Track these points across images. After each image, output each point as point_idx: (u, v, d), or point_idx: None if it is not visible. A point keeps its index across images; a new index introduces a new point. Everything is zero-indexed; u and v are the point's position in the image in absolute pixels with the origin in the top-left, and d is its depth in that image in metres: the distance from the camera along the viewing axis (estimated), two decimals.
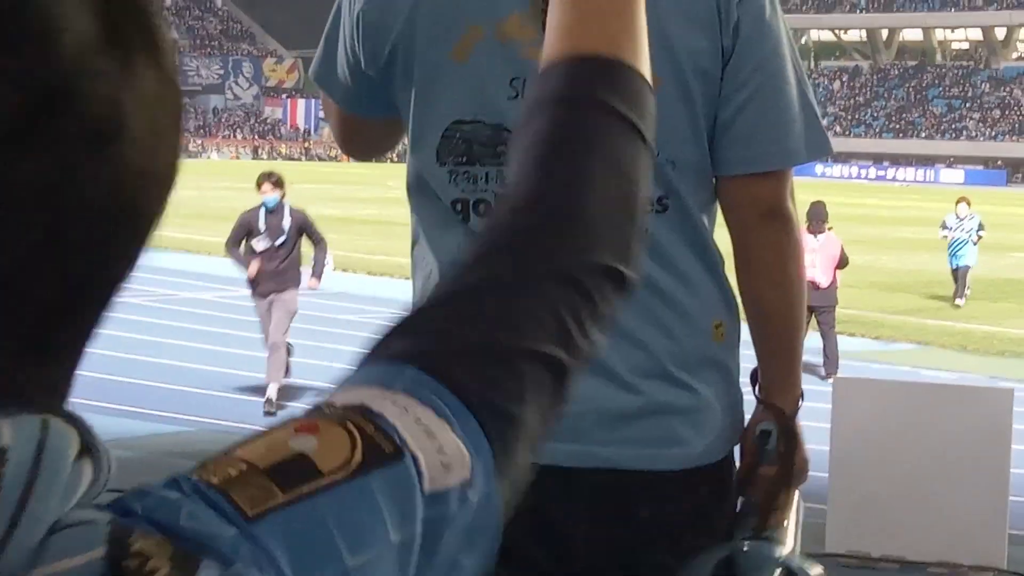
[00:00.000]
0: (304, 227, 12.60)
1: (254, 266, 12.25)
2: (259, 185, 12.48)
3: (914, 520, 7.15)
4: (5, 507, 0.70)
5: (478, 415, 0.89)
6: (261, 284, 12.32)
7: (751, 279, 2.52)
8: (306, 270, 12.71)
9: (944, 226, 22.08)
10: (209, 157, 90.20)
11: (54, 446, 0.73)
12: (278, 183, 12.42)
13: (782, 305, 2.54)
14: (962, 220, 21.58)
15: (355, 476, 0.81)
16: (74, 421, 0.77)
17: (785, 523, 2.49)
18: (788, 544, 2.43)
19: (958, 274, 21.34)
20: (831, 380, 11.65)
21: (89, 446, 0.77)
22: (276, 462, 0.81)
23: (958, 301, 20.76)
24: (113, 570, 0.72)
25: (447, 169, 2.47)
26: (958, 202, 22.02)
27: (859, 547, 7.06)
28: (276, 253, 12.32)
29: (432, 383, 0.89)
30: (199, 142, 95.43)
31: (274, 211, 12.35)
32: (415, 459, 0.84)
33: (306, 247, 12.66)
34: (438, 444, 0.85)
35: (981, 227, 21.60)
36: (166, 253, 22.33)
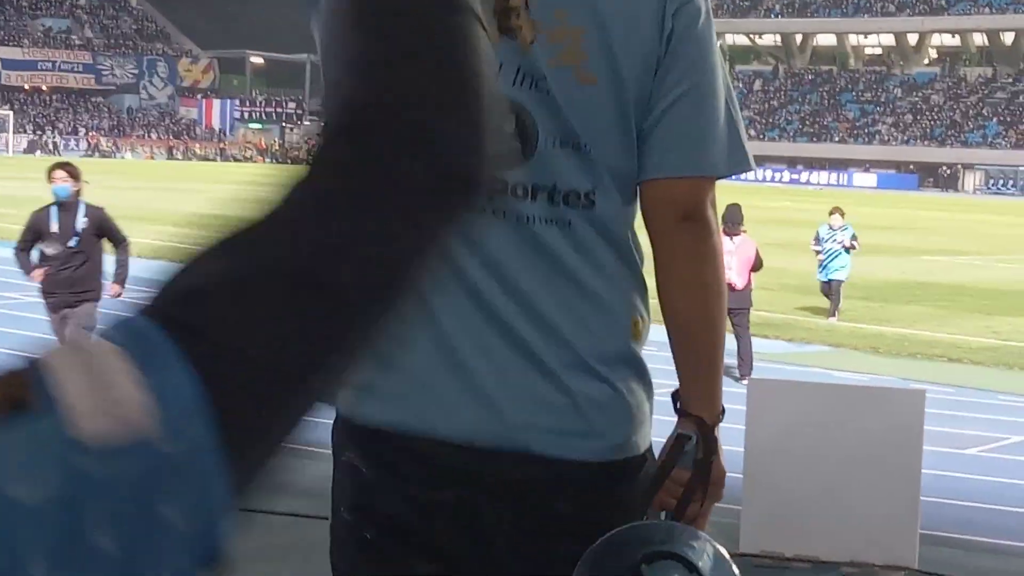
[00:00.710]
0: (103, 227, 10.99)
1: (39, 272, 10.81)
2: (50, 174, 10.91)
3: (827, 520, 7.20)
4: None
5: (198, 364, 0.83)
6: (53, 295, 10.89)
7: (669, 285, 2.53)
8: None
9: (817, 239, 19.94)
10: (123, 157, 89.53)
11: None
12: (74, 174, 10.91)
13: (700, 313, 2.54)
14: (835, 231, 19.63)
15: None
16: None
17: (697, 536, 2.49)
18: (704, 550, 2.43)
19: (831, 288, 19.82)
20: (745, 381, 11.72)
21: None
22: None
23: (831, 319, 19.61)
24: None
25: None
26: (831, 212, 19.93)
27: (773, 547, 7.11)
28: (70, 259, 10.80)
29: (154, 333, 0.83)
30: (113, 142, 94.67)
31: (67, 208, 10.80)
32: (67, 411, 0.78)
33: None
34: (110, 394, 0.79)
35: (854, 237, 19.67)
36: None
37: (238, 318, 0.86)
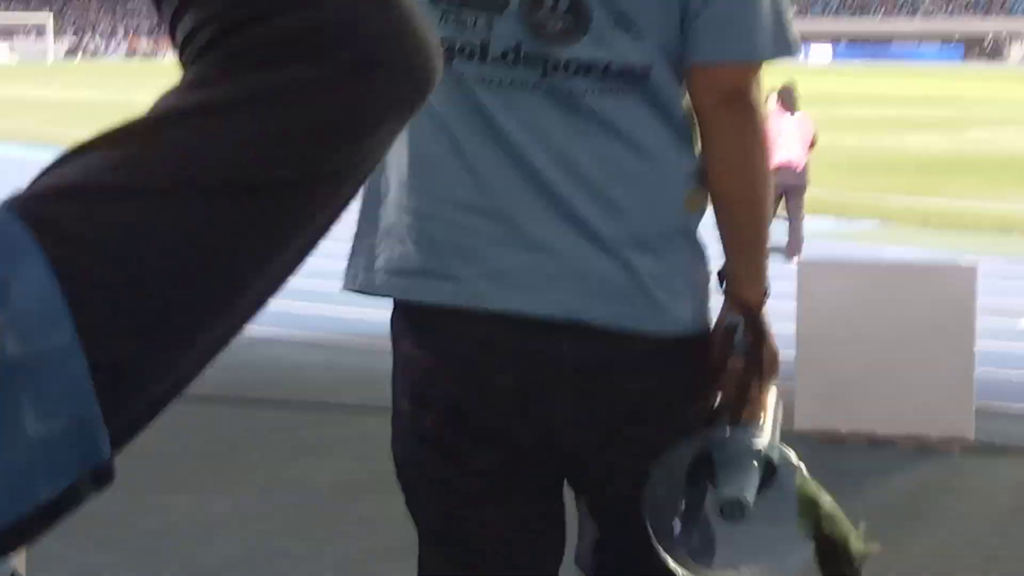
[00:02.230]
0: None
1: None
2: None
3: (882, 396, 7.22)
4: None
5: (56, 257, 0.78)
6: None
7: (715, 167, 2.52)
8: None
9: None
10: (164, 57, 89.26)
11: None
12: None
13: (746, 194, 2.54)
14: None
15: None
16: None
17: (762, 417, 2.50)
18: (765, 437, 2.44)
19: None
20: (795, 261, 11.71)
21: None
22: None
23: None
24: None
25: (441, 8, 2.46)
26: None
27: (828, 425, 7.13)
28: None
29: (13, 226, 0.78)
30: (153, 42, 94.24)
31: None
32: None
33: None
34: None
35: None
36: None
37: (104, 217, 0.80)
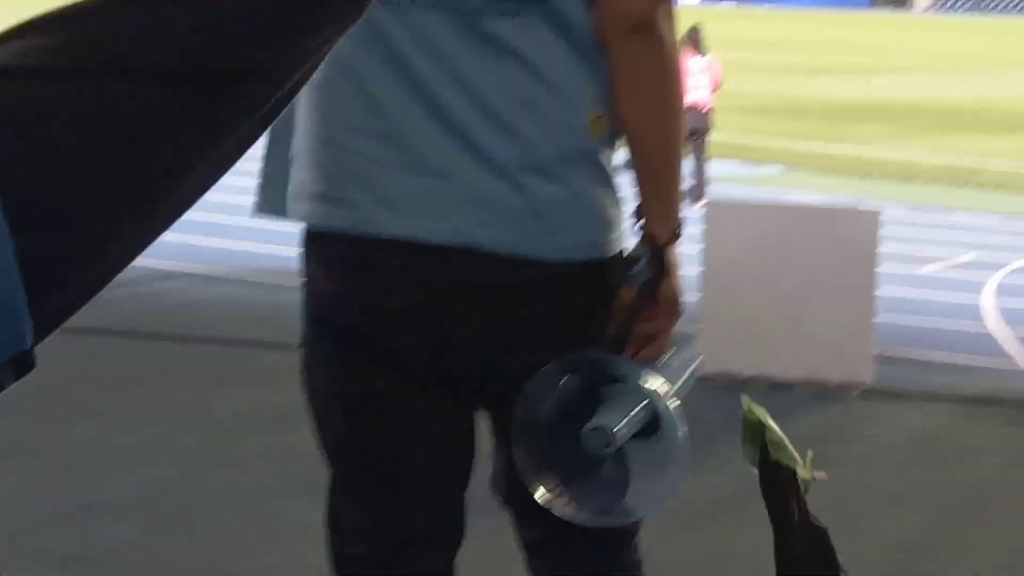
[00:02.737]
0: None
1: None
2: None
3: (784, 340, 7.27)
4: None
5: None
6: None
7: (624, 100, 2.49)
8: None
9: None
10: None
11: None
12: None
13: (657, 128, 2.51)
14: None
15: None
16: None
17: (661, 359, 2.47)
18: (655, 380, 2.40)
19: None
20: (699, 205, 11.76)
21: None
22: None
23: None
24: None
25: None
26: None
27: (730, 368, 7.18)
28: None
29: None
30: None
31: None
32: None
33: None
34: None
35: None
36: None
37: (33, 100, 0.78)
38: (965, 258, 12.09)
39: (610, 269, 2.51)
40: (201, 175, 0.85)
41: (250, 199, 2.59)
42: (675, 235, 2.52)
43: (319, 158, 2.47)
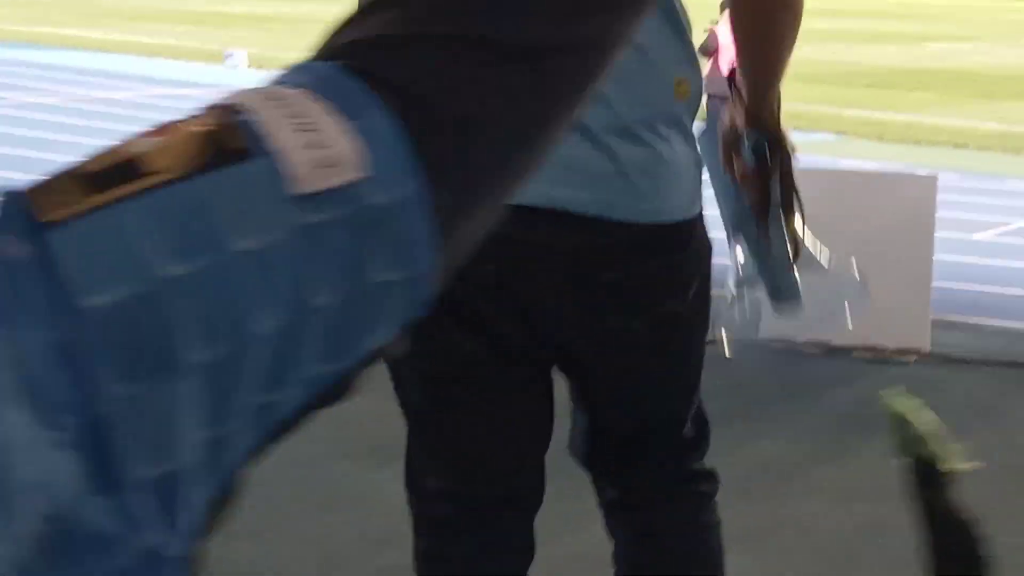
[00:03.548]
0: None
1: None
2: None
3: None
4: None
5: (397, 109, 0.77)
6: None
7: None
8: None
9: None
10: None
11: None
12: None
13: (786, 9, 2.54)
14: None
15: (186, 177, 0.71)
16: None
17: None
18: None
19: None
20: None
21: None
22: (102, 167, 0.71)
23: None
24: None
25: None
26: None
27: (785, 334, 7.13)
28: None
29: (342, 77, 0.78)
30: None
31: None
32: (276, 157, 0.73)
33: None
34: (318, 139, 0.74)
35: None
36: (79, 52, 21.98)
37: (423, 67, 0.80)
38: (1018, 224, 12.00)
39: (693, 230, 2.52)
40: (544, 145, 0.86)
41: None
42: (778, 116, 2.60)
43: None
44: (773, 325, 7.33)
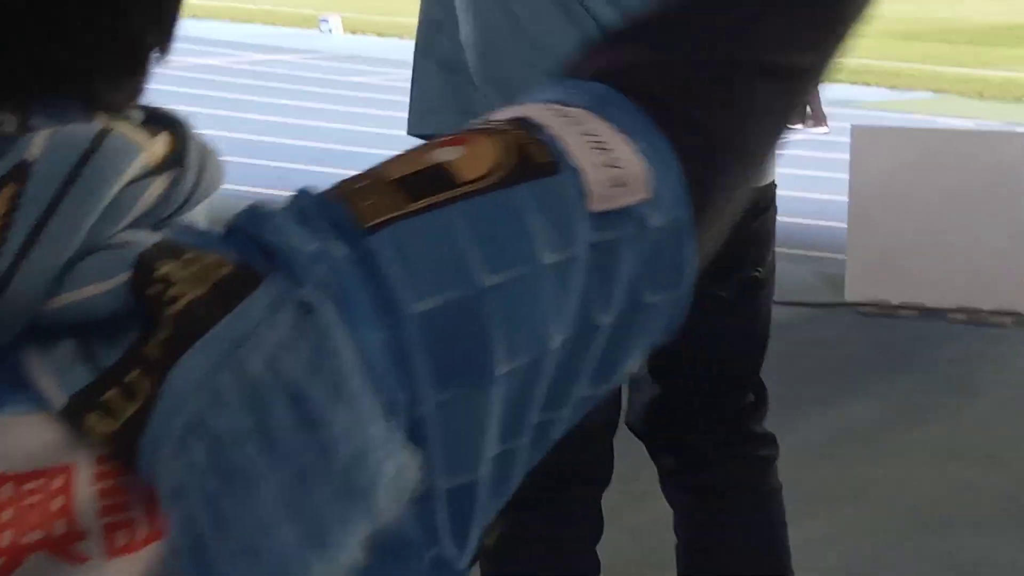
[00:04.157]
0: None
1: None
2: None
3: (934, 267, 7.15)
4: (20, 228, 0.63)
5: (669, 132, 0.79)
6: None
7: None
8: None
9: None
10: None
11: (102, 161, 0.65)
12: None
13: None
14: None
15: (498, 187, 0.72)
16: (171, 126, 0.70)
17: None
18: None
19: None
20: (823, 128, 11.65)
21: (178, 158, 0.69)
22: (409, 173, 0.72)
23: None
24: (136, 297, 0.64)
25: None
26: None
27: (879, 296, 7.08)
28: None
29: (619, 99, 0.79)
30: None
31: None
32: (578, 173, 0.74)
33: None
34: (611, 158, 0.76)
35: None
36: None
37: (697, 93, 0.82)
38: None
39: (774, 192, 2.52)
40: (757, 162, 0.88)
41: None
42: None
43: (479, 88, 2.48)
44: (867, 288, 7.28)
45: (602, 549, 2.77)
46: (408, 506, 0.65)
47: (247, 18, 22.65)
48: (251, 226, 0.68)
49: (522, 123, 0.76)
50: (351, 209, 0.70)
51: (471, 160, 0.73)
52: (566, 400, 0.76)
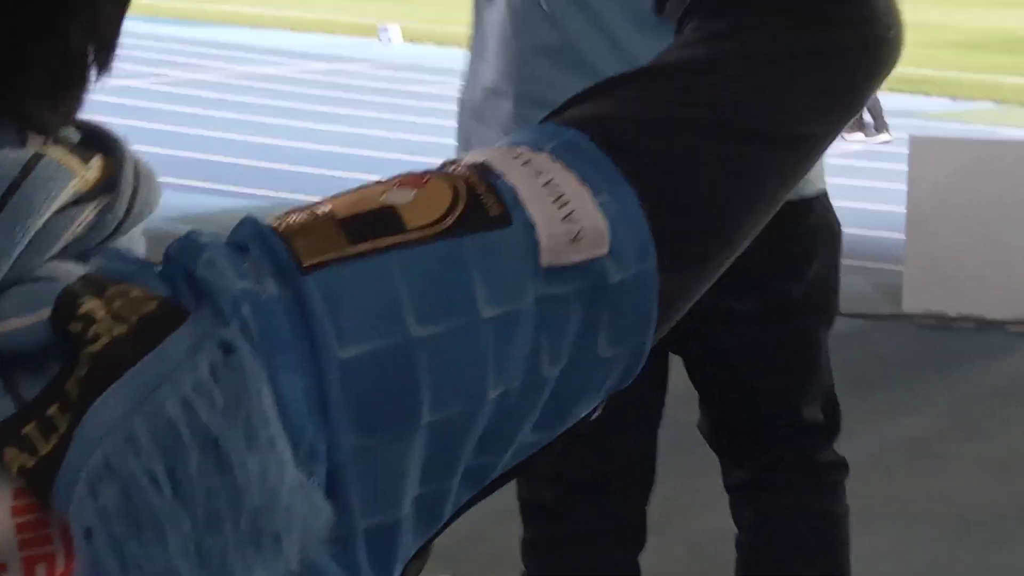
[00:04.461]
0: None
1: None
2: None
3: (992, 279, 7.10)
4: None
5: (638, 187, 0.78)
6: None
7: None
8: None
9: None
10: None
11: (31, 190, 0.64)
12: None
13: None
14: None
15: (444, 236, 0.72)
16: (107, 147, 0.69)
17: None
18: None
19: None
20: (885, 136, 11.61)
21: (111, 184, 0.68)
22: (357, 213, 0.72)
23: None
24: (57, 333, 0.64)
25: None
26: None
27: (937, 307, 7.04)
28: None
29: (592, 149, 0.78)
30: None
31: None
32: (531, 226, 0.74)
33: None
34: (569, 211, 0.75)
35: None
36: (233, 28, 22.23)
37: (675, 151, 0.81)
38: None
39: (811, 208, 2.49)
40: (751, 229, 0.87)
41: None
42: None
43: (519, 109, 2.47)
44: (925, 299, 7.23)
45: (651, 559, 2.76)
46: (327, 546, 0.66)
47: (307, 27, 22.71)
48: (184, 258, 0.68)
49: (482, 169, 0.75)
50: (290, 246, 0.70)
51: (422, 205, 0.73)
52: (506, 446, 0.75)
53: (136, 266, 0.67)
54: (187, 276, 0.67)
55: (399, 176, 0.75)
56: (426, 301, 0.71)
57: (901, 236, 7.38)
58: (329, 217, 0.71)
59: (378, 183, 0.75)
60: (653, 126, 0.81)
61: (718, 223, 0.83)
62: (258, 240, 0.70)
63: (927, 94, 16.65)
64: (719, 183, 0.82)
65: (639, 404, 2.60)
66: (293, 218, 0.72)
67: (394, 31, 21.61)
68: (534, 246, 0.74)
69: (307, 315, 0.68)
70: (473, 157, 0.77)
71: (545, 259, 0.74)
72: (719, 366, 2.49)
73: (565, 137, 0.79)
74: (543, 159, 0.77)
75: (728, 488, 2.71)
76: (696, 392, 2.69)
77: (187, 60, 18.73)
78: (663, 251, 0.78)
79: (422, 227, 0.72)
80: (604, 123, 0.80)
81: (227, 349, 0.64)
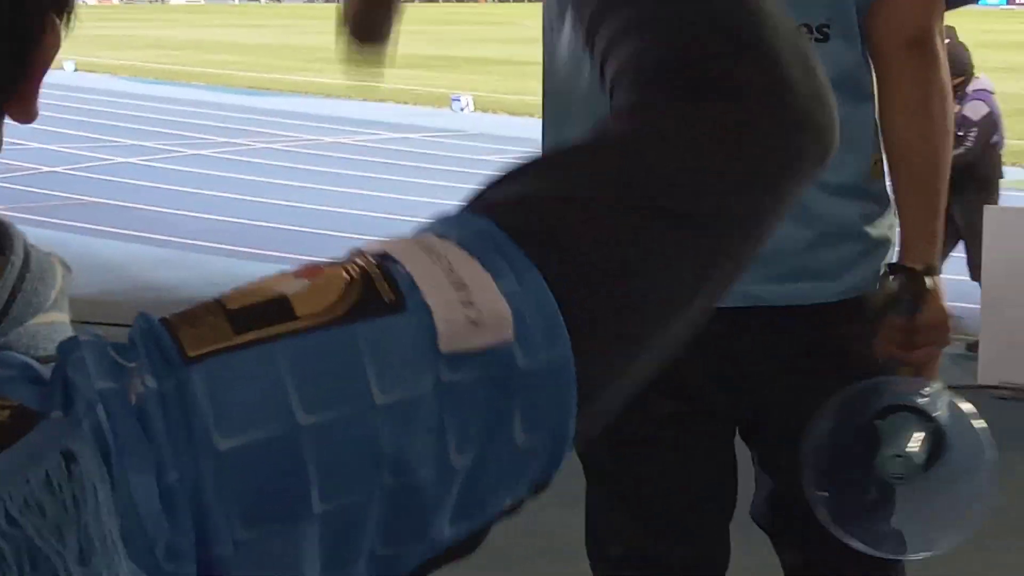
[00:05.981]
0: None
1: None
2: None
3: None
4: None
5: (546, 271, 0.76)
6: None
7: (892, 112, 2.45)
8: None
9: None
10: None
11: None
12: None
13: (926, 147, 2.46)
14: None
15: (335, 323, 0.71)
16: None
17: (931, 383, 2.41)
18: (932, 399, 2.36)
19: None
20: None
21: None
22: (247, 304, 0.71)
23: None
24: None
25: None
26: None
27: (1012, 378, 6.97)
28: None
29: (498, 235, 0.77)
30: None
31: None
32: (427, 312, 0.73)
33: None
34: (467, 298, 0.74)
35: None
36: (306, 98, 22.44)
37: (584, 233, 0.79)
38: None
39: (870, 302, 2.48)
40: (686, 318, 0.86)
41: None
42: (931, 267, 2.45)
43: None
44: (1000, 370, 7.14)
45: None
46: None
47: (379, 97, 22.89)
48: (63, 358, 0.67)
49: (381, 257, 0.75)
50: (175, 337, 0.69)
51: (314, 294, 0.72)
52: (418, 536, 0.74)
53: (12, 371, 0.66)
54: (63, 378, 0.66)
55: (299, 267, 0.75)
56: (314, 388, 0.69)
57: (976, 307, 7.33)
58: (219, 308, 0.71)
59: (278, 274, 0.74)
60: (558, 207, 0.80)
61: (632, 302, 0.81)
62: (145, 334, 0.69)
63: (1004, 164, 16.51)
64: (628, 263, 0.80)
65: (719, 484, 2.59)
66: (188, 310, 0.71)
67: (466, 100, 21.76)
68: (432, 332, 0.73)
69: (186, 407, 0.67)
70: (377, 246, 0.77)
71: (444, 344, 0.73)
72: (787, 437, 2.47)
73: (473, 225, 0.78)
74: (447, 246, 0.76)
75: (786, 569, 2.68)
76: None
77: (261, 129, 18.91)
78: (577, 334, 0.77)
79: (312, 315, 0.71)
80: (510, 208, 0.80)
81: (69, 457, 0.63)
